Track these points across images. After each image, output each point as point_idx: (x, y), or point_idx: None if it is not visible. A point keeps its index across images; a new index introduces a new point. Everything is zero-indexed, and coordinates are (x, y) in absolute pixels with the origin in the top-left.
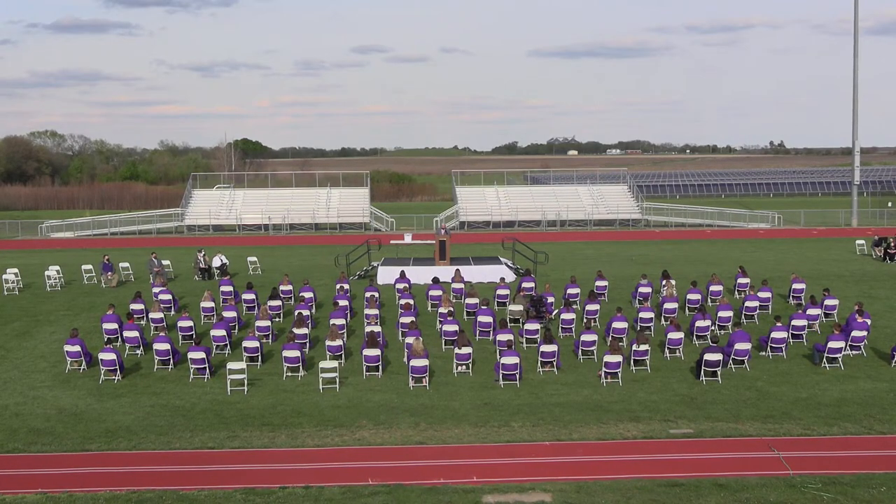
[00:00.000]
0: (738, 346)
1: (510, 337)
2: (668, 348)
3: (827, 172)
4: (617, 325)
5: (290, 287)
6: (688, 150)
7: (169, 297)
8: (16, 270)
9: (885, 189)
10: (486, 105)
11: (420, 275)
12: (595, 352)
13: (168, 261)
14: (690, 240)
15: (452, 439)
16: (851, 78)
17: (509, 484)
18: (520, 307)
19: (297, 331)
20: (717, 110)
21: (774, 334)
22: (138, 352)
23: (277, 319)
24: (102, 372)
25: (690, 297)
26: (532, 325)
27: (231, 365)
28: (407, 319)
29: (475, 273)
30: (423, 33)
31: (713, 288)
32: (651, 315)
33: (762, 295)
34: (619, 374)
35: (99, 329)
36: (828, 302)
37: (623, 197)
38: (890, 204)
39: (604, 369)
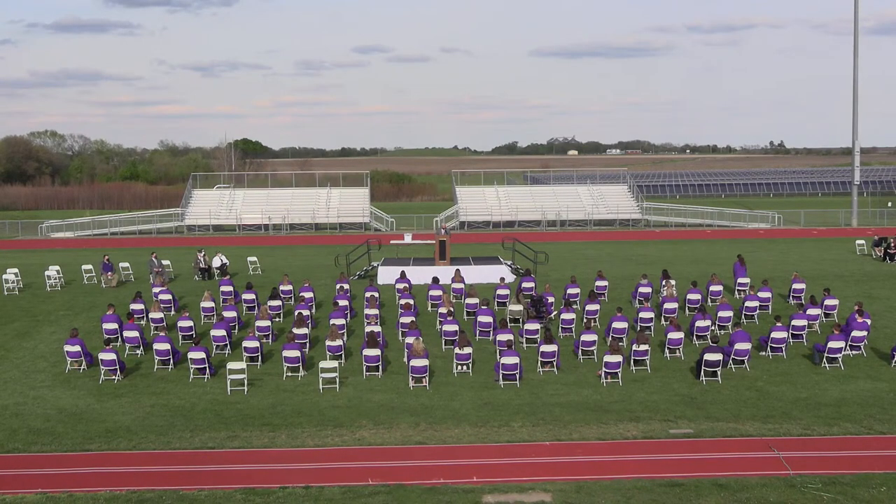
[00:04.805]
0: (739, 346)
1: (510, 337)
2: (668, 348)
3: (827, 172)
4: (617, 325)
5: (290, 287)
6: (688, 150)
7: (169, 297)
8: (16, 270)
9: (885, 189)
10: (486, 105)
11: (420, 275)
12: (595, 352)
13: (168, 261)
14: (690, 240)
15: (452, 439)
16: (851, 78)
17: (509, 484)
18: (520, 307)
19: (297, 331)
20: (717, 110)
21: (774, 334)
22: (138, 352)
23: (277, 319)
24: (102, 372)
25: (690, 297)
26: (532, 325)
27: (231, 365)
28: (407, 319)
29: (475, 273)
30: (423, 33)
31: (713, 288)
32: (651, 315)
33: (762, 295)
34: (619, 374)
35: (99, 329)
36: (828, 302)
37: (623, 197)
38: (890, 204)
39: (604, 369)
